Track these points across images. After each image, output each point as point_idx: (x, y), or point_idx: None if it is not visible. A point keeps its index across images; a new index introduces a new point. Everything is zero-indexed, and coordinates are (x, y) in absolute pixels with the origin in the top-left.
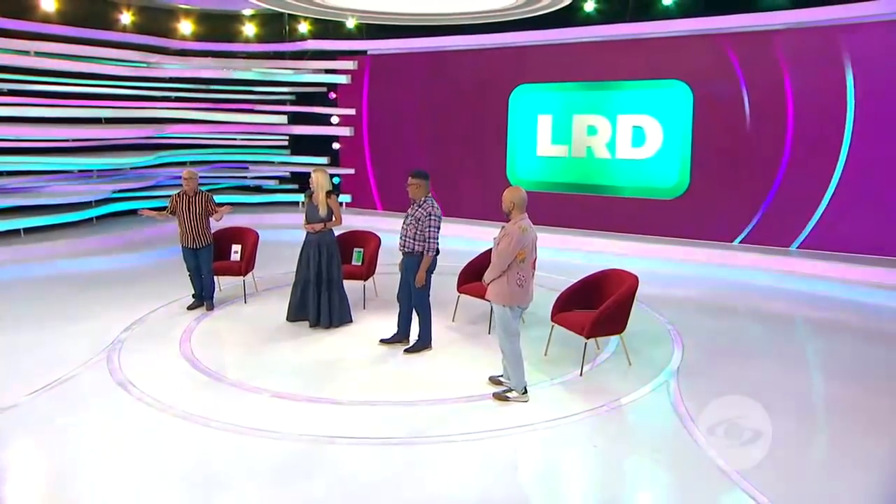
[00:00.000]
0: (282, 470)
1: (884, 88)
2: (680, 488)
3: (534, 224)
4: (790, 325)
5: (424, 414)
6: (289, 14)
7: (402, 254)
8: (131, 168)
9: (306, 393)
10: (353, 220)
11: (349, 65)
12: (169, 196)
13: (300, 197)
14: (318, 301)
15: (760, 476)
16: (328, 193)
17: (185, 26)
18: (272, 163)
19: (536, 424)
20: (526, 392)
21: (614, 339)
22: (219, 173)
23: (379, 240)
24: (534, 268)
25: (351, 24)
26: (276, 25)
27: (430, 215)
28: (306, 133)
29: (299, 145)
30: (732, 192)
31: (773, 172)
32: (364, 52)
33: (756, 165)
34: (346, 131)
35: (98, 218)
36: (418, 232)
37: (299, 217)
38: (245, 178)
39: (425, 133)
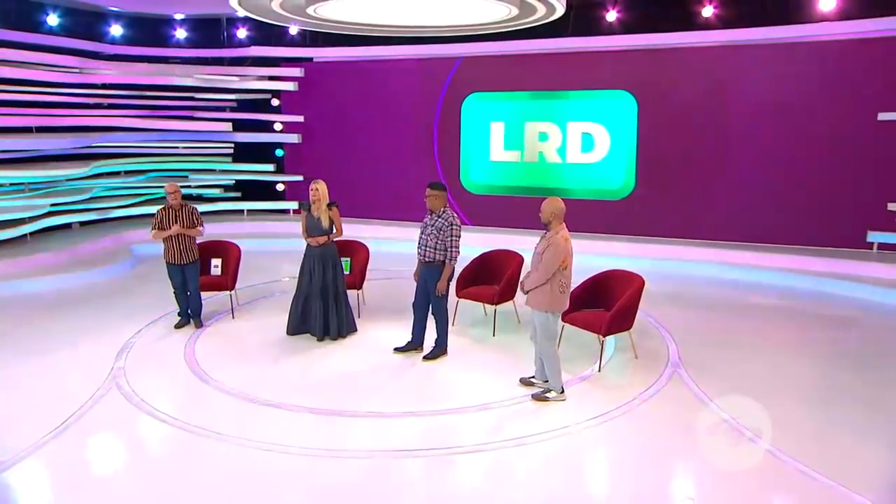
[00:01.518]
0: (365, 490)
1: (797, 100)
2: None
3: (489, 226)
4: (749, 311)
5: (474, 421)
6: (227, 19)
7: (423, 263)
8: (66, 180)
9: (348, 408)
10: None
11: (295, 72)
12: (103, 208)
13: (245, 205)
14: (326, 313)
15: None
16: (329, 205)
17: (116, 30)
18: (213, 171)
19: (585, 422)
20: (563, 391)
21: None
22: (155, 182)
23: (367, 249)
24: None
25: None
26: (212, 30)
27: (451, 225)
28: (251, 140)
29: (242, 153)
30: (673, 193)
31: (710, 174)
32: (310, 60)
33: (694, 168)
34: (293, 138)
35: (32, 234)
36: (439, 241)
37: (245, 226)
38: (189, 186)
39: (376, 140)
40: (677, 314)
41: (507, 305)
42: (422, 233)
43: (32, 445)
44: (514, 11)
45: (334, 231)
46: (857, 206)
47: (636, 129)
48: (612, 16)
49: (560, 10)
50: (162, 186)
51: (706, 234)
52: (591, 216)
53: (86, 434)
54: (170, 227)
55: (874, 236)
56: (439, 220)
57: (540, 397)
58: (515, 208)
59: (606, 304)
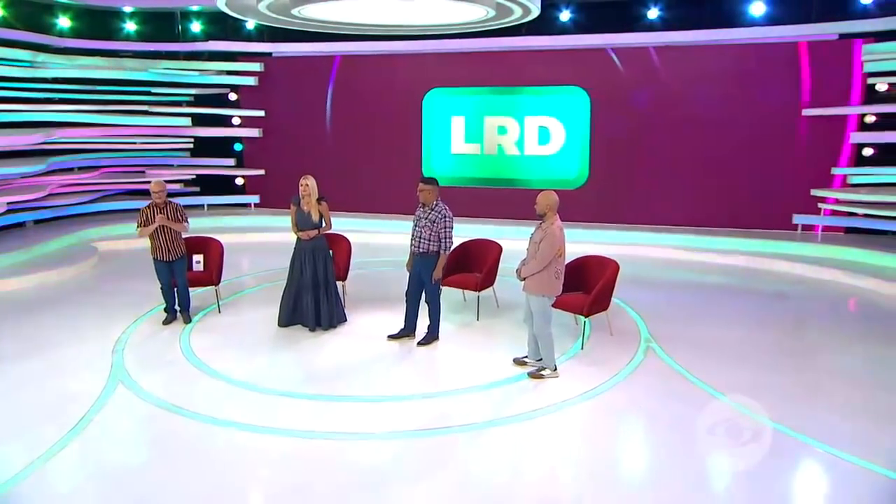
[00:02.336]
0: (398, 469)
1: (732, 97)
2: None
3: (452, 215)
4: (699, 289)
5: (482, 399)
6: (181, 12)
7: (417, 254)
8: (21, 177)
9: (363, 393)
10: (267, 221)
11: (255, 66)
12: (60, 205)
13: (206, 200)
14: (317, 304)
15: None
16: (319, 200)
17: (65, 22)
18: (171, 166)
19: (586, 394)
20: (556, 369)
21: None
22: (110, 179)
23: (348, 242)
24: None
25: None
26: (165, 24)
27: (444, 217)
28: (212, 135)
29: (201, 148)
30: (623, 182)
31: (656, 165)
32: (269, 55)
33: (641, 159)
34: (254, 132)
35: None
36: (433, 233)
37: (207, 221)
38: (149, 182)
39: (338, 134)
40: (639, 294)
41: (486, 291)
42: (415, 225)
43: (54, 446)
44: (491, 13)
45: (324, 225)
46: (784, 192)
47: (589, 123)
48: (565, 16)
49: (536, 12)
50: (118, 182)
51: (654, 220)
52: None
53: (107, 432)
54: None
55: (799, 219)
56: (432, 212)
57: (535, 375)
58: (476, 199)
59: (585, 288)
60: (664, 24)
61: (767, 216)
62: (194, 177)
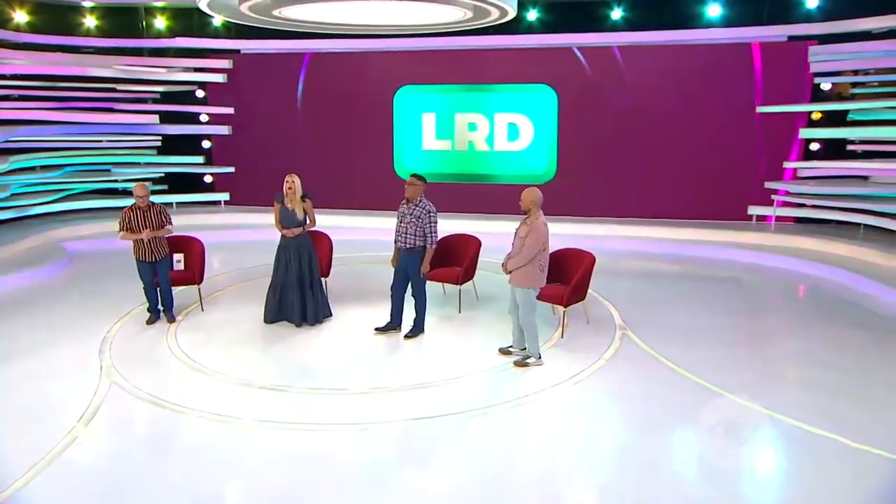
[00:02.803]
0: (403, 455)
1: (690, 94)
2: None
3: (436, 210)
4: (662, 277)
5: (473, 387)
6: (144, 8)
7: (403, 250)
8: None
9: (358, 385)
10: (238, 219)
11: (224, 63)
12: (23, 205)
13: (174, 198)
14: (303, 301)
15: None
16: (303, 197)
17: (22, 16)
18: (139, 164)
19: (571, 380)
20: (540, 357)
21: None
22: (75, 178)
23: (329, 239)
24: None
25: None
26: (127, 19)
27: (429, 213)
28: (181, 133)
29: (169, 145)
30: (589, 177)
31: (621, 159)
32: (237, 52)
33: (607, 154)
34: (223, 130)
35: None
36: (419, 228)
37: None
38: (116, 181)
39: (310, 131)
40: (608, 284)
41: (466, 284)
42: (400, 221)
43: (57, 446)
44: (469, 14)
45: (308, 222)
46: (739, 185)
47: (556, 120)
48: (532, 16)
49: (512, 13)
50: (84, 181)
51: (618, 213)
52: (517, 199)
53: (106, 431)
54: (138, 228)
55: (753, 210)
56: (417, 208)
57: (521, 363)
58: (447, 194)
59: (563, 279)
60: (627, 25)
61: (724, 208)
62: (163, 175)
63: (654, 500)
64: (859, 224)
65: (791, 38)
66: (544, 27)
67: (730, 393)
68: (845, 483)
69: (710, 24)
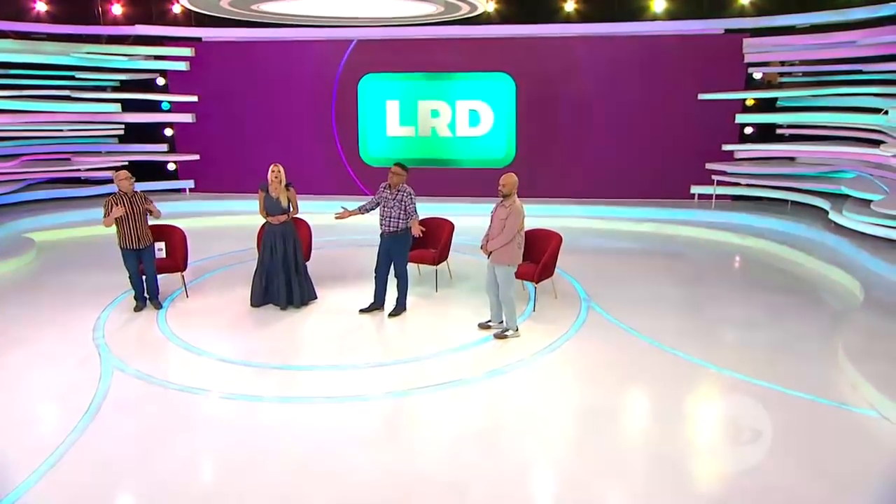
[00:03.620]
0: (397, 426)
1: (637, 83)
2: (653, 367)
3: (414, 192)
4: (617, 253)
5: (458, 360)
6: None
7: (387, 234)
8: None
9: (350, 361)
10: (205, 206)
11: (185, 51)
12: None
13: (138, 186)
14: (289, 285)
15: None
16: (287, 186)
17: None
18: (100, 153)
19: (547, 349)
20: (518, 329)
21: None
22: (33, 167)
23: (308, 225)
24: None
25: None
26: (80, 6)
27: (410, 195)
28: (143, 121)
29: (131, 133)
30: (546, 159)
31: (575, 143)
32: (199, 40)
33: (562, 138)
34: (187, 118)
35: None
36: (402, 212)
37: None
38: (79, 171)
39: (274, 118)
40: (569, 260)
41: (441, 265)
42: (383, 207)
43: (69, 436)
44: (441, 9)
45: (291, 210)
46: (683, 166)
47: (515, 107)
48: (490, 7)
49: (482, 8)
50: (42, 171)
51: (574, 193)
52: (480, 182)
53: (120, 416)
54: (125, 214)
55: (696, 189)
56: (399, 193)
57: (500, 335)
58: (411, 179)
59: (532, 257)
60: (580, 17)
61: (670, 187)
62: (126, 163)
63: (624, 451)
64: (787, 200)
65: (727, 30)
66: (503, 18)
67: (683, 352)
68: (787, 426)
69: (655, 18)
